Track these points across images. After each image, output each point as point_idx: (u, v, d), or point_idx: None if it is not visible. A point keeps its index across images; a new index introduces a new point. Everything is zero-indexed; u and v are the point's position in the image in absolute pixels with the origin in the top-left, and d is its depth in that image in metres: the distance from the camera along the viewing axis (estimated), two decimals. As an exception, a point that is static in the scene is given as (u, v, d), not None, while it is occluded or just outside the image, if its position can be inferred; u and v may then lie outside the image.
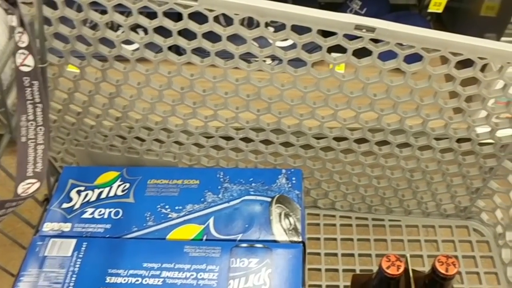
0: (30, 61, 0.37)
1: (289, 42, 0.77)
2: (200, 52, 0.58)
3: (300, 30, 0.54)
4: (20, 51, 0.36)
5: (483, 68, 0.56)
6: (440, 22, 1.06)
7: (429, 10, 0.89)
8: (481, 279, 0.74)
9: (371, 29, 0.52)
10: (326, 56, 0.57)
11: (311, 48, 0.74)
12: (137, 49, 0.59)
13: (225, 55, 0.59)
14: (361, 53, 0.56)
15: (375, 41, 0.53)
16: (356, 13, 1.02)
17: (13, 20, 0.36)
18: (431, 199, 0.77)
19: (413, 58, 0.55)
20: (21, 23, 0.36)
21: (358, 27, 0.52)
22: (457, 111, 0.62)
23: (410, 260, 0.57)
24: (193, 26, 0.55)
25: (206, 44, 0.57)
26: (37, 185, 0.39)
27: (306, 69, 0.58)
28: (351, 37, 0.54)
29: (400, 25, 0.52)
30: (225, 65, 0.59)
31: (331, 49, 0.56)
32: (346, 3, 1.03)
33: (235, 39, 0.56)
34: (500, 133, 0.63)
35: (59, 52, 0.59)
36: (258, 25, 0.54)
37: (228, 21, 0.54)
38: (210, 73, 0.61)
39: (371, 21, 0.51)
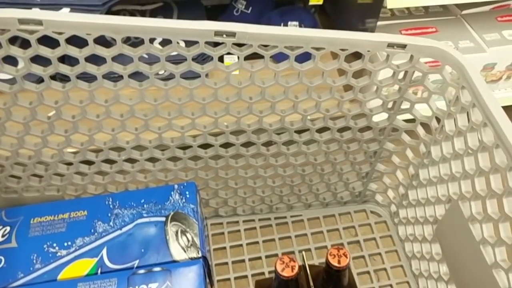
0: None
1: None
2: (63, 76, 0.55)
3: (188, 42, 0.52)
4: None
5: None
6: (324, 12, 1.09)
7: (311, 3, 0.90)
8: (383, 258, 0.76)
9: (232, 34, 0.51)
10: (219, 65, 0.55)
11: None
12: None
13: (89, 77, 0.56)
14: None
15: (265, 46, 0.53)
16: (242, 13, 1.02)
17: None
18: (326, 190, 0.78)
19: (305, 57, 0.56)
20: None
21: (218, 33, 0.51)
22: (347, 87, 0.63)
23: (316, 253, 0.57)
24: (44, 51, 0.51)
25: (64, 69, 0.53)
26: None
27: (201, 81, 0.57)
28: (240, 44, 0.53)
29: (259, 27, 0.52)
30: (89, 88, 0.56)
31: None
32: (232, 4, 1.03)
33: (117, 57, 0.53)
34: (376, 118, 0.65)
35: None
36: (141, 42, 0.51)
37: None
38: (76, 98, 0.57)
39: (229, 26, 0.51)
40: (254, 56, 0.54)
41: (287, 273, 0.51)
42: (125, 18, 0.49)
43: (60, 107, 0.58)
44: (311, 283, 0.55)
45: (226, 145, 0.68)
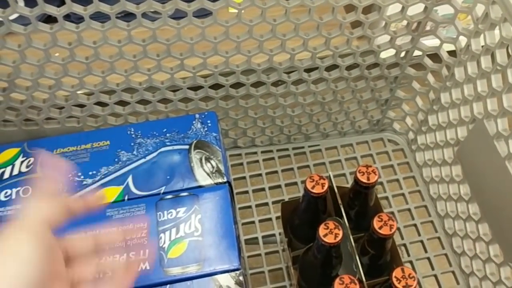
0: None
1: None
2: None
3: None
4: None
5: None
6: None
7: None
8: (401, 184, 0.78)
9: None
10: (230, 2, 0.54)
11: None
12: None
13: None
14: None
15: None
16: None
17: None
18: (345, 118, 0.79)
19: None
20: None
21: None
22: (355, 24, 0.62)
23: (335, 181, 0.58)
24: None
25: (78, 9, 0.52)
26: None
27: (213, 19, 0.55)
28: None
29: None
30: (111, 9, 0.54)
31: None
32: None
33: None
34: (399, 41, 0.65)
35: None
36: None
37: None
38: (97, 25, 0.56)
39: None
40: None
41: (317, 190, 0.52)
42: None
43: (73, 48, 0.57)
44: (339, 201, 0.56)
45: (246, 73, 0.67)
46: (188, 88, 0.68)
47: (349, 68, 0.68)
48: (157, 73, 0.64)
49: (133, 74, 0.63)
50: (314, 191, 0.52)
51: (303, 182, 0.77)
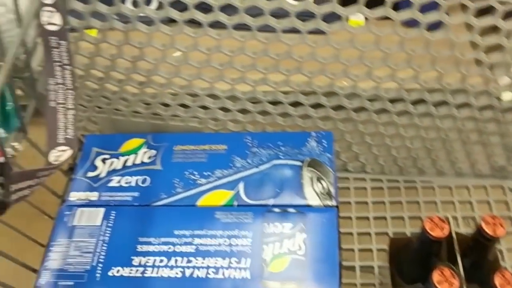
0: (57, 19, 0.34)
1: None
2: (228, 10, 0.55)
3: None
4: (46, 8, 0.34)
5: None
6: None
7: None
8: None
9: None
10: (346, 26, 0.54)
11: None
12: (160, 8, 0.56)
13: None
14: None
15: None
16: None
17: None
18: (465, 159, 0.74)
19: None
20: (46, -22, 0.33)
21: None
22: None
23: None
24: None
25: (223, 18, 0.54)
26: (69, 152, 0.37)
27: (341, 25, 0.55)
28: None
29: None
30: (253, 22, 0.56)
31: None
32: None
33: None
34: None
35: (79, 14, 0.56)
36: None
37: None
38: (236, 33, 0.58)
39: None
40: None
41: (436, 233, 0.49)
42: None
43: (221, 41, 0.59)
44: (456, 247, 0.53)
45: (372, 99, 0.66)
46: (310, 106, 0.68)
47: (482, 108, 0.65)
48: (283, 87, 0.65)
49: (261, 86, 0.65)
50: (433, 233, 0.49)
51: (411, 218, 0.75)
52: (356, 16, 0.81)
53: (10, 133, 0.41)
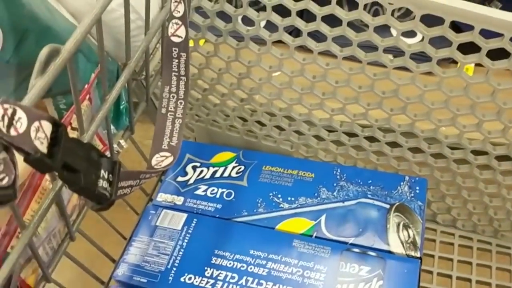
0: (182, 32, 0.36)
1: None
2: (342, 40, 0.55)
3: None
4: (174, 20, 0.35)
5: None
6: None
7: None
8: None
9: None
10: (456, 53, 0.51)
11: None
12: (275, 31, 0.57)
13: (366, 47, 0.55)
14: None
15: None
16: None
17: (171, -11, 0.35)
18: None
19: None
20: (179, -7, 0.35)
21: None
22: None
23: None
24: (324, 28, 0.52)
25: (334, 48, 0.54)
26: (170, 159, 0.38)
27: (429, 65, 0.53)
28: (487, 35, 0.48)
29: None
30: (365, 57, 0.55)
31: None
32: (484, 3, 0.94)
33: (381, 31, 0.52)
34: None
35: (196, 26, 0.59)
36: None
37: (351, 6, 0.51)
38: (345, 65, 0.58)
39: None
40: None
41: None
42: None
43: (327, 70, 0.59)
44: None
45: (477, 152, 0.62)
46: (408, 149, 0.65)
47: None
48: (383, 123, 0.63)
49: (359, 120, 0.63)
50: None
51: (498, 286, 0.69)
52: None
53: (120, 130, 0.43)
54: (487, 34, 0.48)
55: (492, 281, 0.69)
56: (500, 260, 0.72)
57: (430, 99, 0.57)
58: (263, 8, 0.54)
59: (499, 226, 0.72)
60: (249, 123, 0.70)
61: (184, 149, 0.71)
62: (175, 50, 0.36)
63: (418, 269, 0.57)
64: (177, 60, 0.37)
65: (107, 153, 0.42)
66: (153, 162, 0.37)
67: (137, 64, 0.40)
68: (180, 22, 0.35)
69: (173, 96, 0.38)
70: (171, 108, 0.38)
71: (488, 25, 0.46)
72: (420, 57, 0.54)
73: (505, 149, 0.60)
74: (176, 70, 0.37)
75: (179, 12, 0.35)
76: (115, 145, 0.44)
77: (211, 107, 0.71)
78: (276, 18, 0.55)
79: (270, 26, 0.57)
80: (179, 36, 0.36)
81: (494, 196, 0.67)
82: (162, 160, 0.38)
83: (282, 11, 0.54)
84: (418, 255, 0.58)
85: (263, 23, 0.56)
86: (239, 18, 0.56)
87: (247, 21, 0.57)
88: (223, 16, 0.57)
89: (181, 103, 0.38)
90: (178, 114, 0.39)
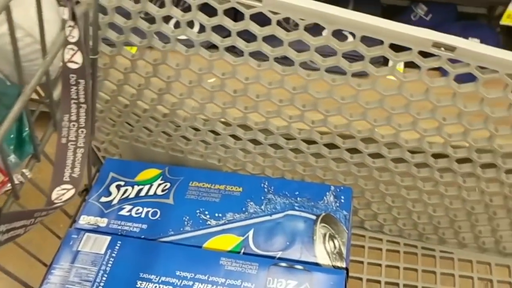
0: (78, 58, 0.34)
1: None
2: (257, 55, 0.54)
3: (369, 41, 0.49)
4: (69, 46, 0.33)
5: None
6: (511, 35, 0.98)
7: (502, 23, 0.81)
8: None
9: (451, 48, 0.46)
10: (396, 73, 0.52)
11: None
12: (191, 46, 0.55)
13: (286, 60, 0.55)
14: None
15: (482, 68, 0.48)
16: (421, 19, 0.96)
17: (65, 13, 0.33)
18: (490, 235, 0.71)
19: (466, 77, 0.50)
20: (73, 17, 0.33)
21: (436, 44, 0.46)
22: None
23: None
24: (254, 28, 0.51)
25: (266, 49, 0.53)
26: (71, 192, 0.36)
27: (371, 84, 0.53)
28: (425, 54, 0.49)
29: (484, 47, 0.46)
30: (283, 71, 0.55)
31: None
32: (411, 7, 0.97)
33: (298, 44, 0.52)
34: None
35: (111, 41, 0.56)
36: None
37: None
38: (266, 78, 0.57)
39: (450, 39, 0.46)
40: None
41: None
42: (345, 11, 0.46)
43: (248, 85, 0.58)
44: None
45: (398, 160, 0.63)
46: (332, 159, 0.66)
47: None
48: (308, 133, 0.63)
49: (283, 131, 0.63)
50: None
51: (425, 288, 0.71)
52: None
53: (23, 159, 0.41)
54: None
55: (419, 284, 0.71)
56: (425, 263, 0.74)
57: (348, 110, 0.58)
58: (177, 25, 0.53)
59: (423, 230, 0.74)
60: (174, 138, 0.69)
61: (108, 167, 0.69)
62: (72, 77, 0.34)
63: (343, 280, 0.57)
64: (75, 87, 0.35)
65: (8, 185, 0.39)
66: (53, 196, 0.35)
67: (36, 88, 0.38)
68: (76, 48, 0.33)
69: (74, 125, 0.36)
70: (71, 137, 0.36)
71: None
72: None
73: (422, 157, 0.61)
74: (75, 97, 0.35)
75: (73, 37, 0.33)
76: (19, 175, 0.41)
77: (134, 123, 0.68)
78: (192, 35, 0.54)
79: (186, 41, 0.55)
80: (75, 62, 0.34)
81: (416, 202, 0.69)
82: (63, 193, 0.35)
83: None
84: (344, 265, 0.59)
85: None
86: (153, 33, 0.54)
87: (163, 36, 0.55)
88: (136, 31, 0.55)
89: (82, 131, 0.36)
90: (80, 144, 0.36)
